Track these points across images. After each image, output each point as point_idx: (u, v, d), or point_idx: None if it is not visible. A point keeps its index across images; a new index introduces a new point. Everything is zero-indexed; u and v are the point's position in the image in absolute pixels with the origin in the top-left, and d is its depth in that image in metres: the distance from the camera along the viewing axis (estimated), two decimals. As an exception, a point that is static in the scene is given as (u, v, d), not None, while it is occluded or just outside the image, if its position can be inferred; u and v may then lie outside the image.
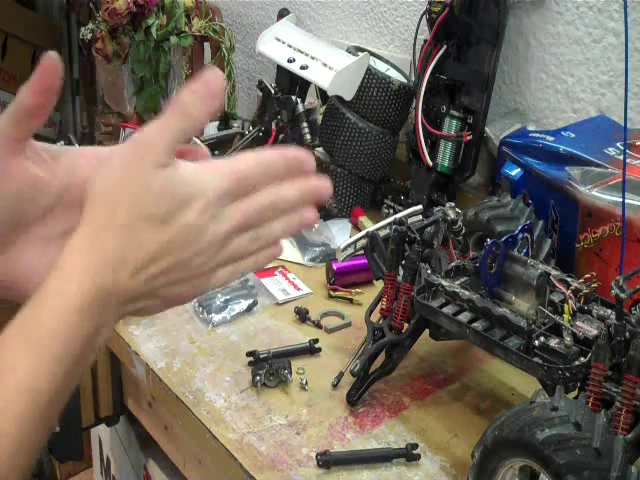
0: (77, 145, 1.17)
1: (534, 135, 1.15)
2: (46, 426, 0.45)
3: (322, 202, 0.53)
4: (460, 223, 0.92)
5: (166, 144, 0.46)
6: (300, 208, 0.51)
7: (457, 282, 0.86)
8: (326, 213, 1.32)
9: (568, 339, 0.73)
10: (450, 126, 1.29)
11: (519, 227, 0.89)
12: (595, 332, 0.74)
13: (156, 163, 0.45)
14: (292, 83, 1.47)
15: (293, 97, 1.35)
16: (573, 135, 1.09)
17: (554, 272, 0.82)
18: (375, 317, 0.94)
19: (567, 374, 0.71)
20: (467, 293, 0.83)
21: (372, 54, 1.43)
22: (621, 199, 0.86)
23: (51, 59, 0.46)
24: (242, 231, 0.49)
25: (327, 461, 0.80)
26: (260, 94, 1.45)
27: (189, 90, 0.46)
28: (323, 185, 0.51)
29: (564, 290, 0.78)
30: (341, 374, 0.94)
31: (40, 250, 0.51)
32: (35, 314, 0.44)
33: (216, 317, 1.07)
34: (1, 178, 0.48)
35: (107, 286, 0.45)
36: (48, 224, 0.51)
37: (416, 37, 1.37)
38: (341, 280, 1.16)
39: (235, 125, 1.48)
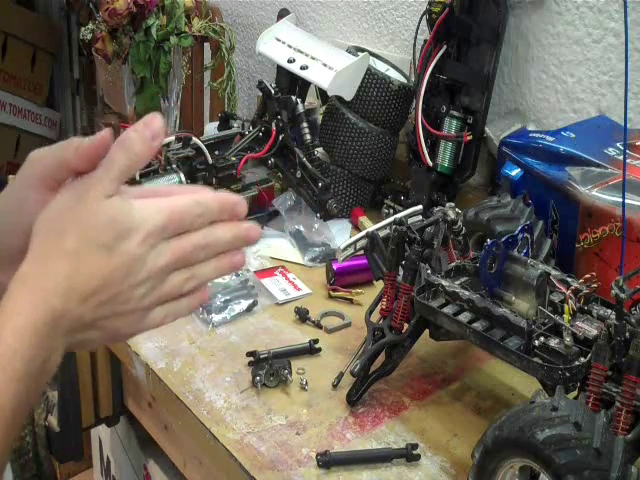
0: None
1: (534, 135, 1.15)
2: (7, 442, 0.46)
3: (251, 244, 0.57)
4: (460, 223, 0.92)
5: (111, 177, 0.49)
6: (231, 250, 0.54)
7: (457, 282, 0.86)
8: (326, 213, 1.32)
9: (568, 339, 0.73)
10: (450, 126, 1.29)
11: (519, 227, 0.89)
12: (595, 332, 0.74)
13: (102, 194, 0.48)
14: (292, 83, 1.47)
15: (293, 97, 1.35)
16: (573, 135, 1.09)
17: (554, 272, 0.82)
18: (375, 317, 0.94)
19: (567, 374, 0.71)
20: (467, 293, 0.83)
21: (372, 54, 1.43)
22: (621, 199, 0.86)
23: (107, 136, 0.50)
24: (177, 268, 0.52)
25: (327, 461, 0.80)
26: (260, 94, 1.45)
27: (132, 130, 0.50)
28: (253, 229, 0.55)
29: (564, 290, 0.78)
30: (341, 374, 0.94)
31: None
32: None
33: (216, 317, 1.07)
34: (31, 207, 0.52)
35: (58, 311, 0.47)
36: None
37: (416, 37, 1.37)
38: (341, 280, 1.16)
39: (235, 125, 1.48)
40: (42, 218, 0.49)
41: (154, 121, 0.51)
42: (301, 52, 1.43)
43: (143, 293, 0.50)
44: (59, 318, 0.47)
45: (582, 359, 0.72)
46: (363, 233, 1.01)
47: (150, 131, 0.50)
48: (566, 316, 0.76)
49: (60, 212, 0.49)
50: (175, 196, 0.53)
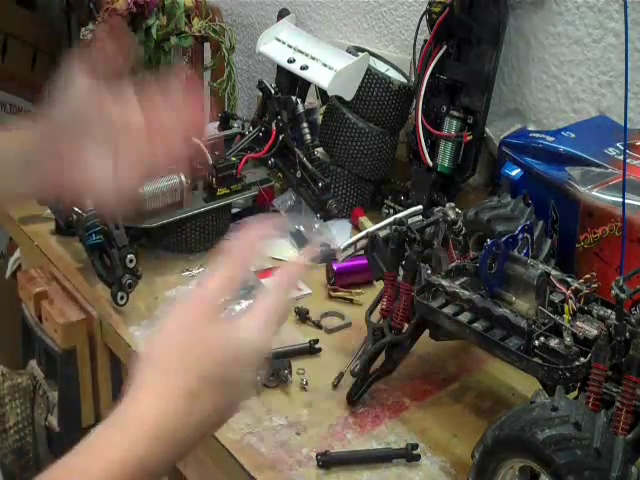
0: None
1: (534, 135, 1.15)
2: None
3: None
4: (460, 223, 0.92)
5: (213, 303, 0.54)
6: None
7: (457, 282, 0.86)
8: (326, 213, 1.32)
9: (568, 339, 0.73)
10: (450, 126, 1.29)
11: (519, 227, 0.90)
12: (595, 332, 0.74)
13: (208, 322, 0.53)
14: (292, 83, 1.47)
15: (293, 97, 1.35)
16: (573, 135, 1.09)
17: (554, 272, 0.82)
18: (375, 317, 0.94)
19: (567, 374, 0.71)
20: (467, 293, 0.83)
21: (372, 54, 1.43)
22: (621, 199, 0.86)
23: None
24: None
25: (327, 461, 0.80)
26: (260, 94, 1.45)
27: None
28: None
29: (564, 290, 0.78)
30: (341, 374, 0.94)
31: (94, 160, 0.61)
32: (113, 437, 0.48)
33: (216, 317, 1.07)
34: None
35: (171, 428, 0.50)
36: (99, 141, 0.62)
37: (416, 37, 1.37)
38: (341, 280, 1.16)
39: (235, 125, 1.48)
40: (153, 352, 0.52)
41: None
42: (301, 52, 1.43)
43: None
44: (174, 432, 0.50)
45: (582, 359, 0.72)
46: (363, 233, 1.01)
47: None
48: (566, 316, 0.76)
49: (173, 348, 0.52)
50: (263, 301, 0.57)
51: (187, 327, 0.53)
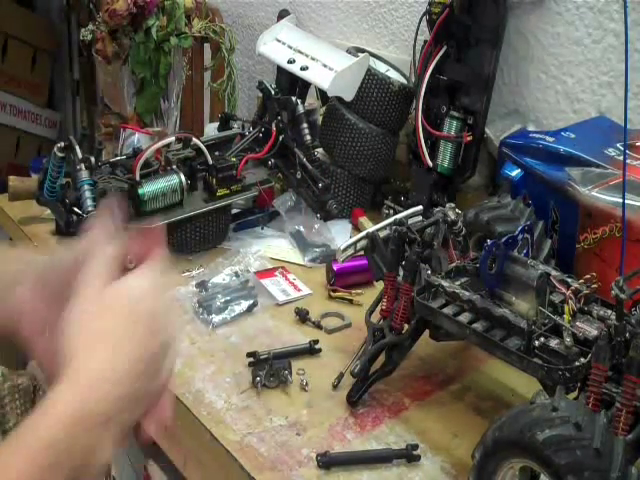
0: (77, 147, 1.18)
1: (534, 136, 1.15)
2: None
3: None
4: (460, 224, 0.92)
5: (100, 272, 0.57)
6: None
7: (457, 283, 0.86)
8: (326, 214, 1.32)
9: (568, 340, 0.73)
10: (450, 127, 1.29)
11: (519, 228, 0.89)
12: (595, 333, 0.74)
13: (100, 287, 0.55)
14: (292, 84, 1.47)
15: (293, 98, 1.35)
16: (573, 136, 1.10)
17: (554, 273, 0.82)
18: (375, 318, 0.94)
19: (567, 375, 0.71)
20: (467, 294, 0.83)
21: (372, 55, 1.43)
22: (621, 199, 0.86)
23: None
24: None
25: (327, 462, 0.80)
26: (260, 95, 1.45)
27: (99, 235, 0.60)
28: None
29: (564, 291, 0.78)
30: (341, 375, 0.94)
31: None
32: (35, 423, 0.48)
33: (216, 318, 1.07)
34: None
35: (91, 405, 0.49)
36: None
37: (416, 38, 1.38)
38: (341, 281, 1.16)
39: (235, 126, 1.48)
40: (72, 323, 0.53)
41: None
42: (301, 53, 1.43)
43: (168, 344, 0.57)
44: (93, 413, 0.49)
45: (582, 359, 0.72)
46: (363, 234, 1.01)
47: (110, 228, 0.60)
48: (566, 316, 0.76)
49: (84, 314, 0.53)
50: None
51: (88, 298, 0.54)
